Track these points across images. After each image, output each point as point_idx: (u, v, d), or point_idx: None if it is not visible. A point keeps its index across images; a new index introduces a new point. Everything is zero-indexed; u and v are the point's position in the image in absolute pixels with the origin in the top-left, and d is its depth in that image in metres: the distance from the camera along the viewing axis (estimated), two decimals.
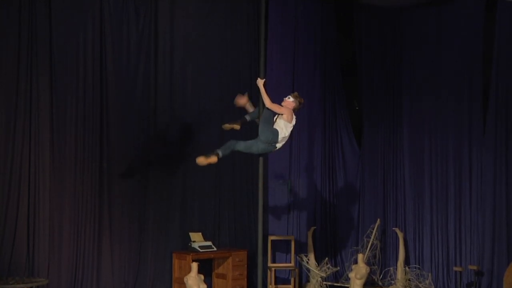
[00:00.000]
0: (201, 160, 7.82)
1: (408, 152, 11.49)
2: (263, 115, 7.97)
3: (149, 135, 10.25)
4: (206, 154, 7.79)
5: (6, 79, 9.15)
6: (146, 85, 10.21)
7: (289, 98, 8.22)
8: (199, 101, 10.68)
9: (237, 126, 8.34)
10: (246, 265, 10.45)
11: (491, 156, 10.47)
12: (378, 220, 11.33)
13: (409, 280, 10.90)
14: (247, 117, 8.36)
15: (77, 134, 9.58)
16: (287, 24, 11.43)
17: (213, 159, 7.82)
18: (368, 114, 12.01)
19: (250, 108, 8.35)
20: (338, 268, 11.35)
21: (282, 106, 8.09)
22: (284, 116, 8.00)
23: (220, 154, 7.88)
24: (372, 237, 11.22)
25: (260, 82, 8.02)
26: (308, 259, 11.05)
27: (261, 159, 8.10)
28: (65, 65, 9.54)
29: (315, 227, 11.36)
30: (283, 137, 8.01)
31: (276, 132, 7.94)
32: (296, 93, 8.35)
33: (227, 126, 8.38)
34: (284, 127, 8.00)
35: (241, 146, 7.95)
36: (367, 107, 12.03)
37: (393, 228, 11.40)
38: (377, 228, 11.25)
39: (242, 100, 8.38)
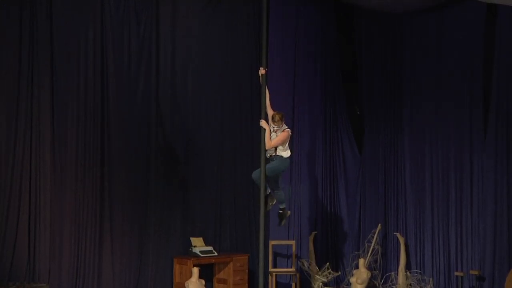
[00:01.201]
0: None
1: (409, 157, 11.47)
2: (269, 167, 8.25)
3: (150, 139, 10.25)
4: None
5: (6, 81, 9.18)
6: (147, 87, 10.22)
7: (275, 124, 8.43)
8: (199, 104, 10.69)
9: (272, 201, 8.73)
10: (247, 270, 10.45)
11: (492, 161, 10.45)
12: (379, 225, 11.32)
13: (410, 285, 10.87)
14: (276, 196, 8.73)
15: (78, 138, 9.60)
16: (287, 25, 11.44)
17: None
18: (369, 119, 12.00)
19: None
20: (339, 273, 11.33)
21: (280, 139, 8.38)
22: (285, 143, 8.48)
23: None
24: (373, 242, 11.20)
25: (265, 124, 8.24)
26: (309, 264, 11.04)
27: (262, 165, 8.12)
28: (66, 67, 9.58)
29: (316, 232, 11.35)
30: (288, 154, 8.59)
31: (283, 159, 8.48)
32: (276, 117, 8.46)
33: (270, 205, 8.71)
34: (283, 149, 8.49)
35: (283, 194, 8.76)
36: (368, 112, 12.02)
37: (394, 233, 11.39)
38: (378, 233, 11.23)
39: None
